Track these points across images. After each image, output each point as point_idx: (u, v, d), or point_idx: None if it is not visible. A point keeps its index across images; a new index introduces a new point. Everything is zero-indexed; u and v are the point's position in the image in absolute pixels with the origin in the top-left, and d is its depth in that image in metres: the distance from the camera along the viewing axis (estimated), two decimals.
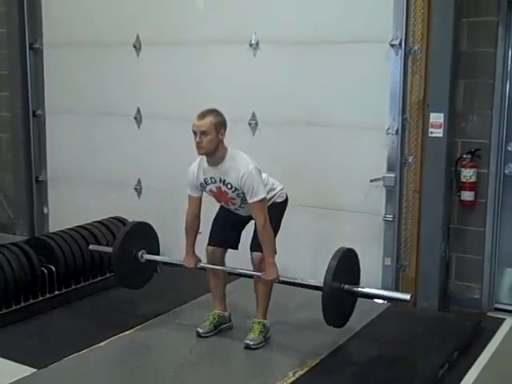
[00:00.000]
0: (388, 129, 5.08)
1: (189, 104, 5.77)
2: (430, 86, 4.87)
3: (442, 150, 4.89)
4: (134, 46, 6.06)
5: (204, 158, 4.10)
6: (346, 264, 3.93)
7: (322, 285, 3.81)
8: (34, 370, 3.89)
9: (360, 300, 5.18)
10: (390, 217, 5.16)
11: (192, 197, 4.25)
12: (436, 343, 4.26)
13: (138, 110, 6.15)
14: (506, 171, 4.94)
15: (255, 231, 4.12)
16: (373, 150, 5.16)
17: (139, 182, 6.25)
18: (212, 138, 3.94)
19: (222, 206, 4.35)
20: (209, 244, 4.34)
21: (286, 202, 4.34)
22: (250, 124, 5.57)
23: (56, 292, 4.99)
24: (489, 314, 4.99)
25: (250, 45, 5.47)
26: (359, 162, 5.21)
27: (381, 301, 5.19)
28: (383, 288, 5.22)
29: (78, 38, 6.38)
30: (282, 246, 5.13)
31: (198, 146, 3.97)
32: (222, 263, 4.39)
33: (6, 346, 4.22)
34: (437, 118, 4.84)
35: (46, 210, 6.89)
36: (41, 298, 4.88)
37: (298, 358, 4.04)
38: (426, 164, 4.97)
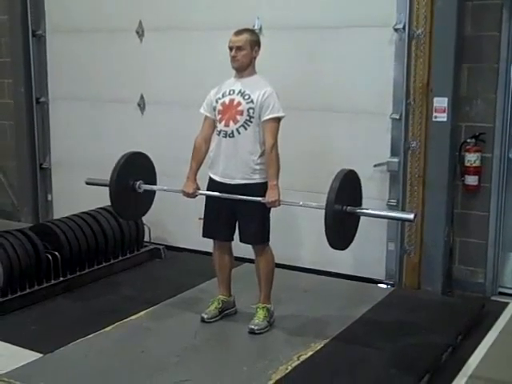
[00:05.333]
0: (392, 113, 5.06)
1: (192, 90, 5.76)
2: (433, 70, 4.84)
3: (446, 135, 4.87)
4: (137, 32, 6.04)
5: (229, 79, 4.29)
6: (348, 185, 3.82)
7: (323, 207, 3.71)
8: (40, 355, 3.92)
9: (364, 284, 5.20)
10: (393, 202, 5.16)
11: (205, 118, 4.31)
12: (440, 327, 4.28)
13: (142, 97, 6.13)
14: (510, 155, 4.91)
15: (239, 222, 4.23)
16: (376, 134, 5.14)
17: None
18: (246, 54, 4.19)
19: (207, 201, 4.33)
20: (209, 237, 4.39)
21: None
22: None
23: (61, 278, 5.02)
24: (492, 298, 4.99)
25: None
26: (363, 147, 5.19)
27: (384, 286, 5.21)
28: (387, 273, 5.24)
29: (81, 25, 6.36)
30: (284, 233, 5.16)
31: (233, 59, 4.20)
32: (230, 253, 4.42)
33: (11, 332, 4.26)
34: (441, 102, 4.82)
35: (50, 197, 6.90)
36: (46, 284, 4.91)
37: (303, 341, 4.05)
38: (429, 149, 4.95)
